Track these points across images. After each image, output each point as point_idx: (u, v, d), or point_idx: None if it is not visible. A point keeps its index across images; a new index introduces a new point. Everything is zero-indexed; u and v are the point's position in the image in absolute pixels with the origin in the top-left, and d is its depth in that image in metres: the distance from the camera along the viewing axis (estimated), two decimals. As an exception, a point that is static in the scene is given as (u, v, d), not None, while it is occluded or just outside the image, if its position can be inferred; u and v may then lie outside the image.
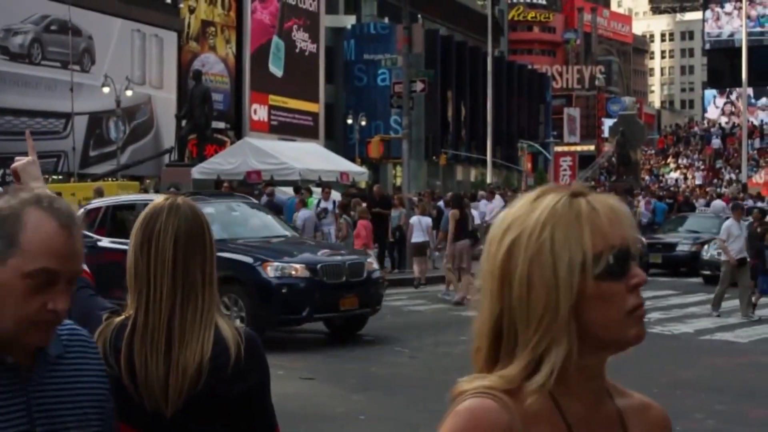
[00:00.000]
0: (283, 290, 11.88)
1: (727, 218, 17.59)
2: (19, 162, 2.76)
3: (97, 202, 15.10)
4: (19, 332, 1.75)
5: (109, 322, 2.30)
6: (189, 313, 2.25)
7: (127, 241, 2.33)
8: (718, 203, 29.52)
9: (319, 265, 12.25)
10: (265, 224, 14.21)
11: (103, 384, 1.98)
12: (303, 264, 12.20)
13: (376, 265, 13.64)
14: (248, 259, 12.19)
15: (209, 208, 12.53)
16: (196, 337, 2.23)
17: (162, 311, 2.24)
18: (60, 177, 35.27)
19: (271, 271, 12.04)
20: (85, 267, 2.52)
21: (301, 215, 19.96)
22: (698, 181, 46.46)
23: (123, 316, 2.30)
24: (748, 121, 53.24)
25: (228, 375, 2.23)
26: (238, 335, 2.27)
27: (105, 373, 2.00)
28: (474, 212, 20.82)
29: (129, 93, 36.41)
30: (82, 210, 13.88)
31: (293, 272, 12.12)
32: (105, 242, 13.14)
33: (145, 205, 2.29)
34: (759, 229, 16.41)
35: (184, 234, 2.26)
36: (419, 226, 19.77)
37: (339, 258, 12.86)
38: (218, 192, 20.10)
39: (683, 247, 22.73)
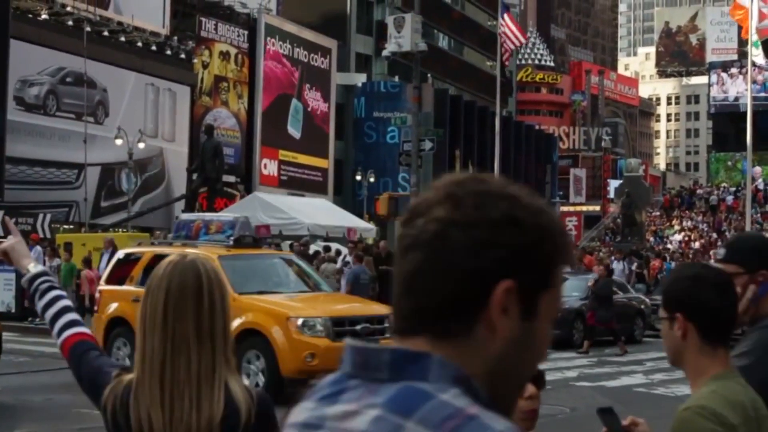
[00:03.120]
0: None
1: None
2: (7, 243, 2.66)
3: None
4: None
5: (119, 380, 2.28)
6: (181, 368, 2.20)
7: None
8: None
9: None
10: None
11: None
12: None
13: None
14: None
15: None
16: (190, 393, 2.19)
17: (153, 366, 2.22)
18: (71, 227, 35.59)
19: None
20: (87, 330, 2.56)
21: None
22: (672, 248, 45.85)
23: (132, 374, 2.28)
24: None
25: None
26: (249, 396, 2.25)
27: None
28: None
29: (141, 145, 36.71)
30: None
31: None
32: None
33: None
34: None
35: (176, 288, 2.23)
36: None
37: None
38: None
39: None
